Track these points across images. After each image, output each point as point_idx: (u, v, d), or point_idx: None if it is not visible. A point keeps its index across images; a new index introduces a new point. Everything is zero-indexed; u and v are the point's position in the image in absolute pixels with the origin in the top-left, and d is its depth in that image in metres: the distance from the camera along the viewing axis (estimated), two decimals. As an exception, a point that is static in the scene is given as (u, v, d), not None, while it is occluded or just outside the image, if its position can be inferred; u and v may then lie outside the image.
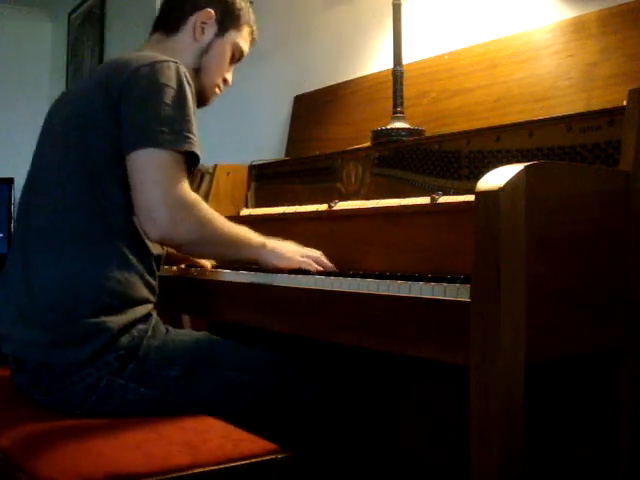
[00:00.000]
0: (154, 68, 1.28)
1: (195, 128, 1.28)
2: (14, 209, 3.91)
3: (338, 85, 2.06)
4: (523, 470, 0.90)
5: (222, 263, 1.64)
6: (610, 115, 1.20)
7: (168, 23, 1.52)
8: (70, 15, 4.60)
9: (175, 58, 1.34)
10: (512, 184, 0.89)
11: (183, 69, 1.32)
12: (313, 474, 1.34)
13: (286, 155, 2.15)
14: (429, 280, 1.05)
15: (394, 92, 1.68)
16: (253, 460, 1.06)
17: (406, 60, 1.71)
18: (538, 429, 1.30)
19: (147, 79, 1.27)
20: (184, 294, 1.58)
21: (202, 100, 1.52)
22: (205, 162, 2.30)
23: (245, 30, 1.58)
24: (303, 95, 2.21)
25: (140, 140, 1.23)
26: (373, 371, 1.69)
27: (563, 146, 1.27)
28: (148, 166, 1.22)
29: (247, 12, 1.58)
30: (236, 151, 2.69)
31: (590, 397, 1.26)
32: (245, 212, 2.02)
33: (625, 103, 1.14)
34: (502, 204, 0.88)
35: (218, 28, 1.52)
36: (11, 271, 1.31)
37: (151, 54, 1.35)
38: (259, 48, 2.68)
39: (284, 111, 2.31)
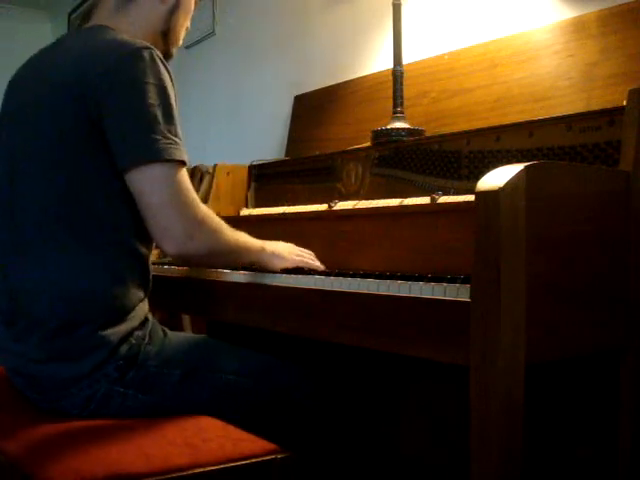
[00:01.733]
0: (127, 65, 1.17)
1: (179, 127, 1.22)
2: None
3: (338, 85, 2.06)
4: (523, 470, 0.90)
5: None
6: (610, 115, 1.20)
7: None
8: (70, 15, 4.60)
9: (141, 27, 1.30)
10: (512, 184, 0.89)
11: (156, 53, 1.21)
12: (313, 474, 1.34)
13: (286, 155, 2.15)
14: (429, 280, 1.05)
15: (394, 92, 1.68)
16: (253, 460, 1.06)
17: (406, 60, 1.71)
18: (538, 429, 1.30)
19: (124, 82, 1.17)
20: (184, 294, 1.58)
21: (168, 57, 1.41)
22: (205, 162, 2.31)
23: None
24: (303, 95, 2.21)
25: (135, 155, 1.17)
26: (373, 371, 1.69)
27: (563, 146, 1.27)
28: (155, 183, 1.17)
29: None
30: (236, 151, 2.69)
31: (590, 397, 1.25)
32: (245, 212, 2.02)
33: (625, 103, 1.14)
34: (502, 204, 0.88)
35: None
36: None
37: (117, 39, 1.23)
38: (259, 48, 2.69)
39: (284, 111, 2.31)
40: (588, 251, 1.02)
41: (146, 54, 1.19)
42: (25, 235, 1.22)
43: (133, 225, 1.23)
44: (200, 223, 1.22)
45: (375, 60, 2.08)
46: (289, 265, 1.38)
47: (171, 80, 1.24)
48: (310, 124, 2.12)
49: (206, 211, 1.24)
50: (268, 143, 2.46)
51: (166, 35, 1.40)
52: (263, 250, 1.38)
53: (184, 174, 1.22)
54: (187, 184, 1.22)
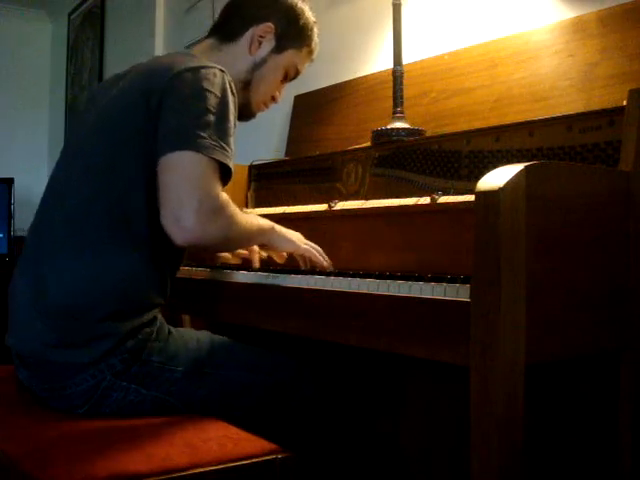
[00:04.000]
0: (198, 73, 1.22)
1: (233, 142, 1.23)
2: (14, 209, 3.91)
3: (338, 85, 2.06)
4: (523, 470, 0.90)
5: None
6: (610, 115, 1.20)
7: (225, 31, 1.46)
8: (70, 15, 4.60)
9: (226, 68, 1.28)
10: (512, 184, 0.89)
11: (228, 78, 1.26)
12: (313, 474, 1.34)
13: (286, 155, 2.15)
14: (429, 280, 1.05)
15: (394, 92, 1.68)
16: (254, 460, 1.06)
17: (406, 60, 1.71)
18: (538, 429, 1.30)
19: (189, 84, 1.21)
20: (184, 294, 1.58)
21: (246, 114, 1.48)
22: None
23: (304, 50, 1.51)
24: (303, 95, 2.21)
25: (177, 143, 1.16)
26: (373, 371, 1.69)
27: (563, 146, 1.27)
28: (180, 167, 1.15)
29: (311, 32, 1.52)
30: (236, 151, 2.69)
31: (590, 397, 1.26)
32: (245, 212, 2.02)
33: (625, 103, 1.14)
34: (502, 204, 0.88)
35: (276, 44, 1.46)
36: (24, 269, 1.29)
37: (197, 59, 1.30)
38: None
39: (284, 111, 2.31)
40: (588, 251, 1.02)
41: (217, 72, 1.24)
42: (57, 225, 1.25)
43: (160, 231, 1.21)
44: (217, 213, 1.17)
45: (375, 60, 2.07)
46: (295, 250, 1.41)
47: (235, 106, 1.26)
48: (310, 124, 2.12)
49: (227, 201, 1.20)
50: (268, 143, 2.46)
51: (247, 87, 1.45)
52: (273, 230, 1.39)
53: (214, 171, 1.17)
54: (215, 177, 1.17)
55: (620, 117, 1.15)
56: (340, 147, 1.85)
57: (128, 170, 1.23)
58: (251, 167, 2.07)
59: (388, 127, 1.65)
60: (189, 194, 1.13)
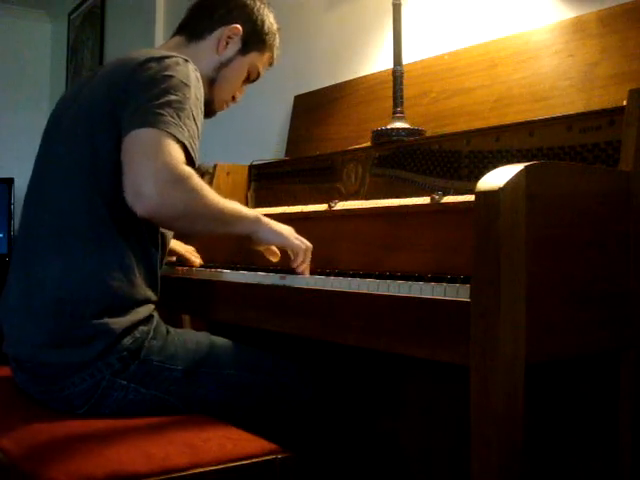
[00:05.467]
0: (162, 62, 1.24)
1: (200, 126, 1.24)
2: (14, 209, 3.91)
3: (338, 85, 2.06)
4: (523, 470, 0.90)
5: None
6: (610, 115, 1.20)
7: (193, 29, 1.49)
8: (70, 15, 4.60)
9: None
10: (512, 184, 0.89)
11: (194, 67, 1.28)
12: (313, 474, 1.34)
13: (286, 155, 2.15)
14: (429, 280, 1.05)
15: (394, 92, 1.68)
16: (253, 460, 1.06)
17: (406, 60, 1.71)
18: (538, 429, 1.30)
19: (152, 71, 1.22)
20: (184, 294, 1.58)
21: (208, 112, 1.48)
22: (205, 162, 2.30)
23: (266, 54, 1.56)
24: (303, 95, 2.21)
25: (136, 122, 1.17)
26: (373, 371, 1.69)
27: (563, 146, 1.27)
28: (140, 141, 1.15)
29: (274, 38, 1.57)
30: (236, 151, 2.69)
31: (590, 397, 1.25)
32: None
33: (625, 103, 1.14)
34: (502, 204, 0.88)
35: (242, 46, 1.50)
36: (14, 271, 1.30)
37: (163, 51, 1.32)
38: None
39: (284, 111, 2.31)
40: (588, 251, 1.02)
41: (181, 60, 1.26)
42: (48, 226, 1.26)
43: (144, 226, 1.26)
44: (177, 183, 1.14)
45: (375, 60, 2.07)
46: (284, 243, 1.34)
47: (199, 87, 1.28)
48: (310, 124, 2.12)
49: (189, 173, 1.17)
50: (268, 143, 2.46)
51: (212, 85, 1.48)
52: (258, 221, 1.32)
53: (172, 145, 1.16)
54: (173, 148, 1.16)
55: (620, 117, 1.15)
56: (340, 147, 1.85)
57: (109, 165, 1.23)
58: (251, 167, 2.07)
59: (388, 127, 1.65)
60: (147, 165, 1.13)
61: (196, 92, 1.26)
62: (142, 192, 1.11)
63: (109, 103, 1.24)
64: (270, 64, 1.60)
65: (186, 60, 1.28)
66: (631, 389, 1.08)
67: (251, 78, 1.57)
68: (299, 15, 2.45)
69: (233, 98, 1.57)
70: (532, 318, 0.90)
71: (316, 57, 2.36)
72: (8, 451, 1.05)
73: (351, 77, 2.04)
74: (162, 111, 1.17)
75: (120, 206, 1.22)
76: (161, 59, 1.25)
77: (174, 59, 1.26)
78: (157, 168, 1.12)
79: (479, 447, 0.89)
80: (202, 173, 2.22)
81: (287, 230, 1.37)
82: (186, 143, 1.18)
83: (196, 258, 1.67)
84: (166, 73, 1.22)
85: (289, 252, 1.37)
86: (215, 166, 2.04)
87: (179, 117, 1.19)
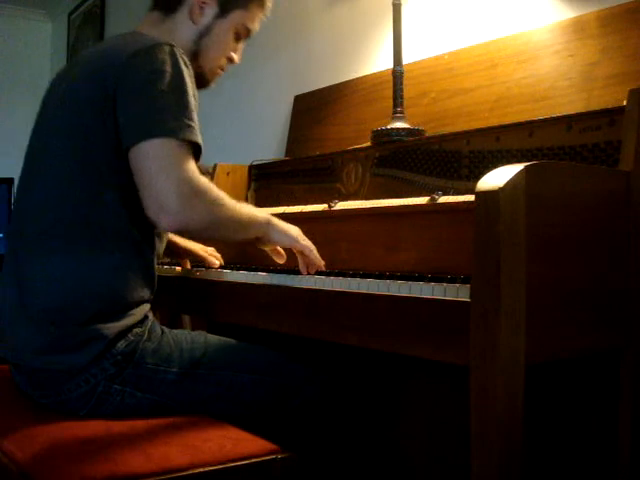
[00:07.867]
0: (148, 55, 1.21)
1: (195, 114, 1.22)
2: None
3: (338, 85, 2.06)
4: (523, 470, 0.90)
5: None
6: (610, 115, 1.20)
7: (165, 2, 1.41)
8: (70, 15, 4.60)
9: (172, 40, 1.27)
10: (512, 184, 0.89)
11: (179, 50, 1.25)
12: (313, 474, 1.34)
13: (286, 155, 2.15)
14: (429, 280, 1.05)
15: (394, 92, 1.68)
16: (253, 460, 1.06)
17: (406, 60, 1.71)
18: (538, 429, 1.30)
19: (142, 66, 1.20)
20: (184, 294, 1.58)
21: (203, 83, 1.44)
22: (205, 162, 2.30)
23: (253, 7, 1.44)
24: (303, 95, 2.21)
25: (141, 132, 1.17)
26: (373, 371, 1.69)
27: (563, 146, 1.27)
28: (154, 156, 1.16)
29: None
30: (236, 151, 2.69)
31: (590, 397, 1.26)
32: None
33: (625, 103, 1.14)
34: (502, 204, 0.88)
35: (220, 9, 1.40)
36: (6, 274, 1.28)
37: (146, 37, 1.28)
38: (259, 48, 2.69)
39: (284, 111, 2.31)
40: (588, 251, 1.02)
41: (166, 47, 1.22)
42: (35, 226, 1.24)
43: (139, 224, 1.25)
44: (200, 196, 1.18)
45: (375, 60, 2.08)
46: (292, 244, 1.35)
47: (190, 77, 1.25)
48: (310, 124, 2.12)
49: (208, 184, 1.20)
50: (268, 143, 2.46)
51: (196, 57, 1.41)
52: (269, 223, 1.34)
53: (186, 153, 1.18)
54: (188, 159, 1.18)
55: (620, 117, 1.15)
56: (340, 147, 1.85)
57: (97, 167, 1.22)
58: (251, 167, 2.07)
59: (388, 127, 1.65)
60: (168, 181, 1.14)
61: (188, 79, 1.24)
62: (167, 209, 1.14)
63: (98, 103, 1.21)
64: (264, 14, 1.48)
65: (171, 45, 1.24)
66: (631, 389, 1.08)
67: (242, 36, 1.48)
68: (299, 15, 2.45)
69: (230, 60, 1.49)
70: (532, 318, 0.90)
71: (316, 57, 2.36)
72: (8, 452, 1.06)
73: (351, 77, 2.04)
74: (165, 115, 1.17)
75: (112, 207, 1.22)
76: (148, 51, 1.21)
77: (159, 48, 1.22)
78: (178, 185, 1.15)
79: (479, 447, 0.89)
80: (202, 173, 2.22)
81: (295, 231, 1.37)
82: (197, 140, 1.20)
83: (216, 259, 1.63)
84: (156, 69, 1.20)
85: (296, 253, 1.37)
86: (215, 166, 2.04)
87: (182, 115, 1.19)
